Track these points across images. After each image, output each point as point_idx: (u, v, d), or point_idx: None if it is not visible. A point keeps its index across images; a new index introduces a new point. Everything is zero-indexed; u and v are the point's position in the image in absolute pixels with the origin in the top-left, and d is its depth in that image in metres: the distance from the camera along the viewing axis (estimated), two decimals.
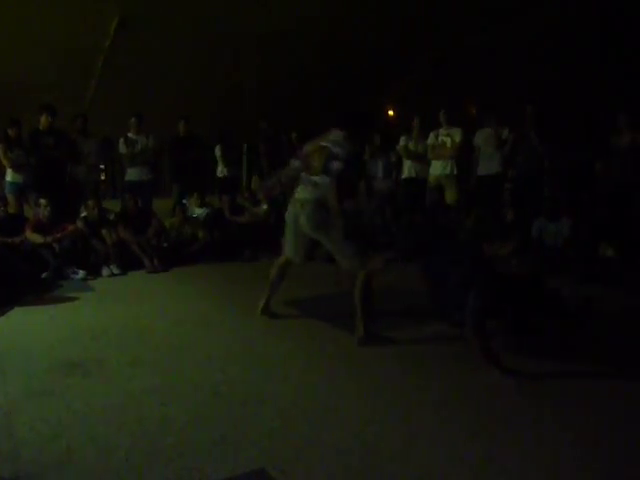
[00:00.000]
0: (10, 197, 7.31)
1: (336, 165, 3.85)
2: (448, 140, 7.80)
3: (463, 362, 3.37)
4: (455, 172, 7.82)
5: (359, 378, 3.19)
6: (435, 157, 7.89)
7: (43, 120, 7.46)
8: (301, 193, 4.06)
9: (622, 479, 2.20)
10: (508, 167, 7.66)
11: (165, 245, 7.13)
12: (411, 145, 8.14)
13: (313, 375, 3.23)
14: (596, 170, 7.50)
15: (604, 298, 4.53)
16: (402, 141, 8.19)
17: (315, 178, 3.96)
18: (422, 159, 8.11)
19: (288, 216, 4.20)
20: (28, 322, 4.47)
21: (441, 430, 2.54)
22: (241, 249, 7.35)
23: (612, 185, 6.89)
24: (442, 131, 7.90)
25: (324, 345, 3.78)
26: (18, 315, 4.64)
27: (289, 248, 4.32)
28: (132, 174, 8.16)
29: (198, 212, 7.81)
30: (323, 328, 4.18)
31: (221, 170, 8.95)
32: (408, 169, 8.21)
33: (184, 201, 8.02)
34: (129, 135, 8.12)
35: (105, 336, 4.07)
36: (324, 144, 3.98)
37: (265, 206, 8.30)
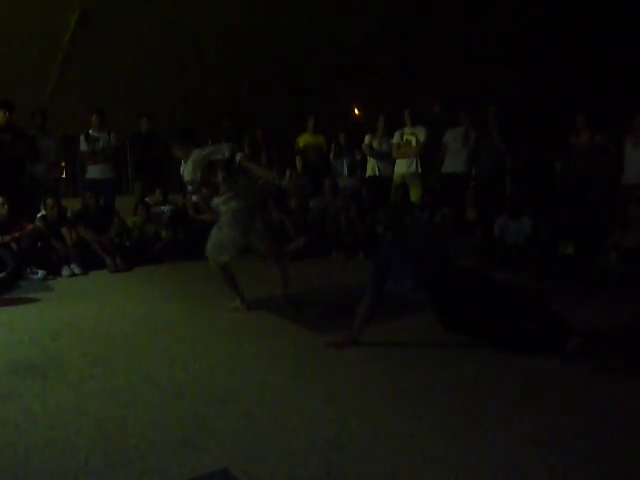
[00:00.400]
0: None
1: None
2: (413, 139, 7.88)
3: (430, 358, 3.41)
4: (419, 170, 7.92)
5: (324, 377, 3.19)
6: (400, 156, 7.97)
7: (0, 116, 7.26)
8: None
9: None
10: (472, 166, 7.80)
11: (127, 244, 7.04)
12: (375, 144, 8.20)
13: (278, 374, 3.22)
14: (556, 169, 7.69)
15: (563, 294, 4.64)
16: (367, 140, 8.24)
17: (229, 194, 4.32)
18: (386, 158, 8.18)
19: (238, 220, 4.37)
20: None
21: (407, 428, 2.55)
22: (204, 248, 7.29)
23: (571, 184, 7.06)
24: (407, 130, 7.97)
25: (289, 344, 3.77)
26: None
27: (233, 249, 4.45)
28: (93, 172, 8.00)
29: (160, 210, 7.71)
30: (287, 327, 4.17)
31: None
32: (372, 167, 8.28)
33: (147, 199, 7.91)
34: (90, 132, 7.97)
35: (65, 337, 4.00)
36: (203, 164, 4.28)
37: None
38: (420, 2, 8.78)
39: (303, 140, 8.71)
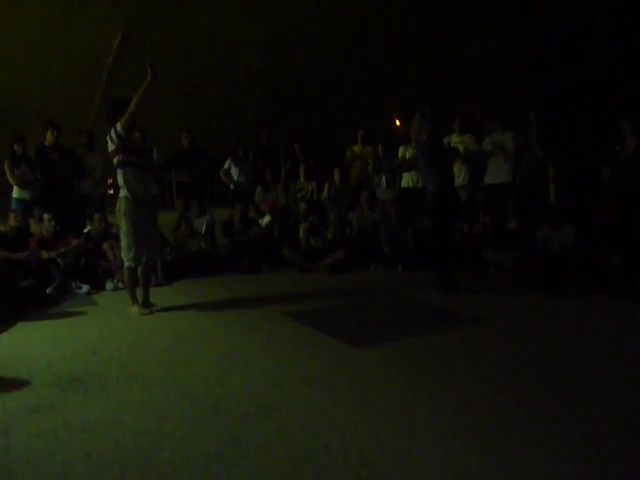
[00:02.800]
0: (17, 213, 7.35)
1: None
2: (461, 147, 7.74)
3: (463, 369, 3.34)
4: (466, 180, 7.75)
5: (358, 389, 3.16)
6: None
7: (48, 136, 7.53)
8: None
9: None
10: (515, 175, 7.63)
11: (169, 258, 7.15)
12: (409, 154, 8.10)
13: (312, 389, 3.21)
14: (602, 177, 7.46)
15: (608, 307, 4.49)
16: (400, 152, 8.17)
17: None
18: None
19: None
20: (31, 337, 4.47)
21: (443, 447, 2.50)
22: (243, 260, 7.36)
23: (617, 192, 6.84)
24: (454, 137, 7.84)
25: (323, 356, 3.75)
26: (21, 330, 4.65)
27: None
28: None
29: (198, 222, 7.82)
30: (324, 341, 4.15)
31: (234, 183, 8.94)
32: (407, 179, 8.16)
33: (188, 214, 8.04)
34: None
35: (106, 351, 4.08)
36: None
37: (268, 218, 8.32)
38: (456, 11, 8.71)
39: (351, 152, 8.69)
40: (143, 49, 8.36)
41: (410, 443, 2.52)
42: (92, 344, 4.25)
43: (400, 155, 8.16)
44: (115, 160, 4.87)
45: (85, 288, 6.20)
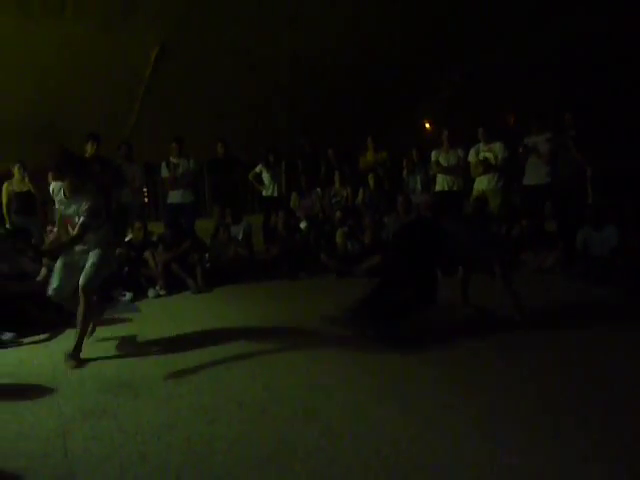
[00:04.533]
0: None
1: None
2: (490, 156, 7.70)
3: (505, 372, 3.33)
4: (501, 185, 7.69)
5: (405, 395, 3.17)
6: (479, 175, 7.78)
7: (89, 148, 7.71)
8: None
9: None
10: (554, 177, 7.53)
11: (208, 265, 7.25)
12: (442, 159, 8.09)
13: (358, 392, 3.23)
14: None
15: None
16: (433, 156, 8.18)
17: None
18: (454, 171, 8.05)
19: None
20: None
21: (489, 450, 2.50)
22: (282, 266, 7.42)
23: None
24: (482, 147, 7.80)
25: (368, 362, 3.77)
26: (69, 337, 4.76)
27: None
28: (174, 197, 8.34)
29: (235, 229, 7.91)
30: (367, 344, 4.16)
31: (266, 189, 9.04)
32: (441, 182, 8.15)
33: (225, 221, 8.13)
34: (171, 159, 8.32)
35: (152, 356, 4.17)
36: None
37: (304, 224, 8.37)
38: (489, 12, 8.66)
39: (364, 162, 8.76)
40: (180, 61, 8.56)
41: (459, 446, 2.53)
42: (138, 350, 4.36)
43: (433, 159, 8.17)
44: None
45: (128, 296, 6.33)
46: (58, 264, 4.23)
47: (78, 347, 4.11)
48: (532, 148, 7.33)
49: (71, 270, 4.19)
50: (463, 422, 2.76)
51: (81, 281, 4.06)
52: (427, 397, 3.09)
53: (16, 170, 7.74)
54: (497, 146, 7.68)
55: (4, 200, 7.53)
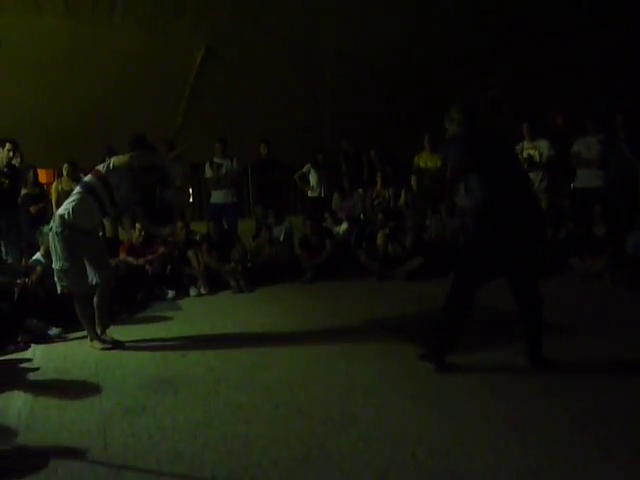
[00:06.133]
0: (106, 222, 7.72)
1: None
2: (535, 153, 7.51)
3: (548, 388, 3.23)
4: (545, 185, 7.49)
5: (443, 399, 3.12)
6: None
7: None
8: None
9: None
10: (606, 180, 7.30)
11: (249, 265, 7.29)
12: None
13: (396, 397, 3.19)
14: None
15: None
16: None
17: None
18: None
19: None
20: (122, 340, 4.68)
21: (530, 461, 2.42)
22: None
23: None
24: (527, 144, 7.62)
25: (406, 366, 3.72)
26: (113, 334, 4.86)
27: None
28: (217, 197, 8.43)
29: (276, 230, 7.93)
30: (405, 349, 4.11)
31: (313, 190, 9.04)
32: None
33: (269, 222, 8.16)
34: (214, 159, 8.41)
35: (192, 354, 4.21)
36: None
37: (345, 225, 8.34)
38: (537, 11, 8.45)
39: (422, 160, 8.57)
40: (225, 62, 8.65)
41: (497, 455, 2.47)
42: (179, 348, 4.41)
43: None
44: (87, 178, 4.44)
45: (171, 294, 6.42)
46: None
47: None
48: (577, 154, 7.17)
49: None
50: (503, 433, 2.68)
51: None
52: (467, 406, 3.03)
53: (65, 169, 7.94)
54: (542, 144, 7.48)
55: (53, 199, 7.74)
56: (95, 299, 4.53)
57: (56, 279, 4.39)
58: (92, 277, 4.45)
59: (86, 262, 4.42)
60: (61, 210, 4.33)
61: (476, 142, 3.61)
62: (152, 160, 4.44)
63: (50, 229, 4.36)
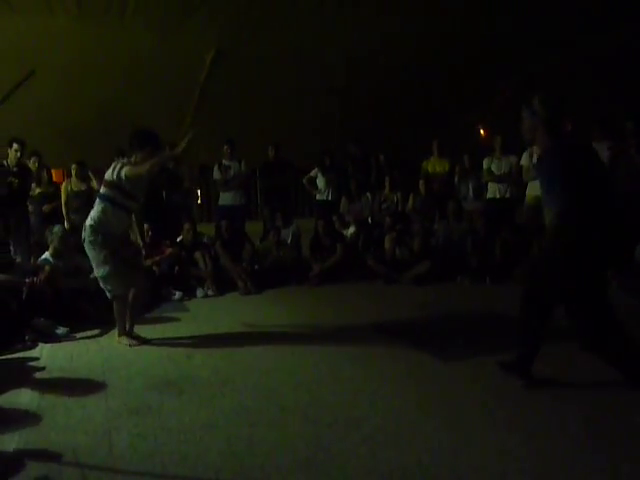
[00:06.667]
0: None
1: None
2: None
3: (555, 395, 3.21)
4: None
5: (449, 406, 3.10)
6: (532, 179, 7.58)
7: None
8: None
9: None
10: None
11: (257, 268, 7.31)
12: (494, 167, 7.93)
13: (401, 401, 3.18)
14: None
15: None
16: (485, 164, 8.02)
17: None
18: (506, 180, 7.87)
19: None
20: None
21: (530, 463, 2.42)
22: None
23: None
24: (536, 149, 7.59)
25: (413, 371, 3.71)
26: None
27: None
28: (225, 199, 8.45)
29: (284, 232, 7.93)
30: (412, 353, 4.11)
31: (321, 193, 9.04)
32: (493, 190, 7.98)
33: (277, 224, 8.17)
34: (223, 161, 8.44)
35: (198, 356, 4.22)
36: None
37: (353, 228, 8.33)
38: (547, 19, 8.43)
39: (430, 165, 8.58)
40: (235, 64, 8.67)
41: (502, 461, 2.45)
42: (185, 349, 4.42)
43: (485, 167, 8.02)
44: (103, 191, 4.42)
45: (178, 295, 6.44)
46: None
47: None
48: None
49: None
50: (508, 438, 2.67)
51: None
52: (472, 411, 3.02)
53: (74, 170, 7.98)
54: None
55: (62, 199, 7.78)
56: (129, 298, 4.62)
57: (102, 286, 4.49)
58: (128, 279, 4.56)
59: (123, 264, 4.50)
60: (88, 220, 4.40)
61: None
62: (163, 162, 4.40)
63: (83, 240, 4.44)
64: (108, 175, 4.36)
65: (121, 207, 4.39)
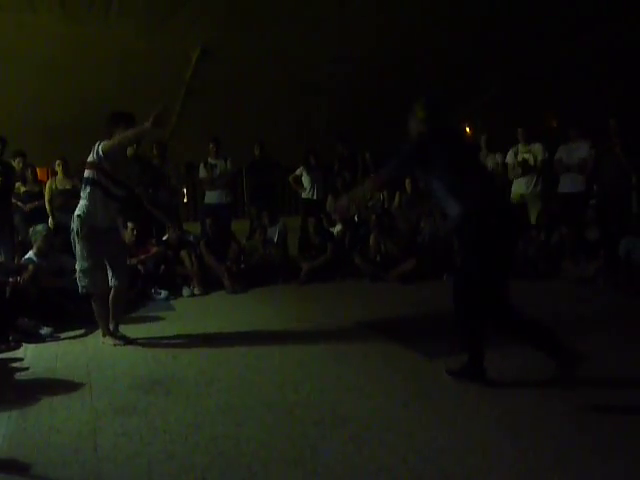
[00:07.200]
0: None
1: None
2: (530, 157, 7.57)
3: (539, 390, 3.24)
4: (540, 188, 7.57)
5: (434, 402, 3.12)
6: (517, 176, 7.65)
7: (129, 148, 7.81)
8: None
9: None
10: (592, 184, 7.38)
11: (243, 267, 7.29)
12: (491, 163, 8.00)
13: (388, 399, 3.19)
14: None
15: None
16: None
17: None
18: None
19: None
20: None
21: (518, 462, 2.43)
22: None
23: None
24: (521, 148, 7.68)
25: (399, 369, 3.73)
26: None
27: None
28: (211, 197, 8.42)
29: (270, 231, 7.91)
30: (398, 351, 4.12)
31: (306, 192, 9.03)
32: None
33: (263, 223, 8.15)
34: (209, 160, 8.40)
35: (184, 355, 4.21)
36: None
37: (339, 226, 8.34)
38: (532, 18, 8.48)
39: None
40: (221, 63, 8.63)
41: (489, 458, 2.47)
42: (171, 348, 4.41)
43: None
44: (87, 174, 4.38)
45: (164, 294, 6.41)
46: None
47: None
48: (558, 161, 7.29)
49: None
50: (496, 437, 2.69)
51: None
52: (460, 409, 3.03)
53: (58, 167, 7.91)
54: (537, 147, 7.55)
55: (46, 197, 7.70)
56: (110, 297, 4.57)
57: (77, 281, 4.44)
58: (110, 277, 4.51)
59: (105, 261, 4.47)
60: (77, 210, 4.36)
61: (438, 142, 3.39)
62: (136, 133, 4.35)
63: (71, 230, 4.40)
64: (89, 157, 4.35)
65: (107, 193, 4.34)
